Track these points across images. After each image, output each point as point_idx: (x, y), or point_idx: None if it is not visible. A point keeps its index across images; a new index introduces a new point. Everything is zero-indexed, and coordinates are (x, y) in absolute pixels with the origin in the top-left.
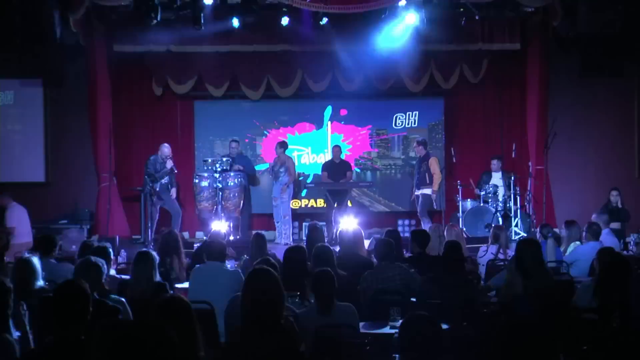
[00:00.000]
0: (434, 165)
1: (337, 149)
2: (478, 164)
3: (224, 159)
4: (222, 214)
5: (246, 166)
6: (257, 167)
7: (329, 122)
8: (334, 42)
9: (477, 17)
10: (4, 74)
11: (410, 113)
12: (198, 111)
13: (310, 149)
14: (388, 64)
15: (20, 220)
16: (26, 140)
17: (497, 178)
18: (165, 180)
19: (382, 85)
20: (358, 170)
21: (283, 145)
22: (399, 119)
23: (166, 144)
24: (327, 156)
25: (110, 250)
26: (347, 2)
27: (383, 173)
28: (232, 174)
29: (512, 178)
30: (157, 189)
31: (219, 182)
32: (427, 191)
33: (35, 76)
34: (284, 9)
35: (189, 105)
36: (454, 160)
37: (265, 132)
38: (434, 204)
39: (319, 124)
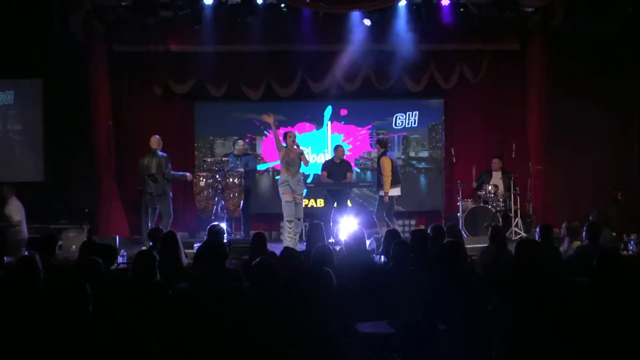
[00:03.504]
0: (384, 164)
1: (340, 149)
2: (478, 164)
3: (224, 159)
4: (222, 214)
5: (249, 163)
6: (257, 167)
7: (329, 122)
8: (334, 42)
9: (476, 17)
10: (4, 74)
11: (410, 113)
12: (198, 111)
13: (310, 149)
14: (388, 64)
15: (23, 217)
16: (26, 140)
17: (497, 178)
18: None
19: (382, 85)
20: (358, 170)
21: (291, 135)
22: (399, 119)
23: (154, 137)
24: (327, 156)
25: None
26: (347, 2)
27: None
28: (232, 173)
29: (512, 178)
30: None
31: (219, 182)
32: (381, 193)
33: (35, 76)
34: (284, 9)
35: (189, 105)
36: (454, 160)
37: (266, 132)
38: (395, 205)
39: (319, 124)
